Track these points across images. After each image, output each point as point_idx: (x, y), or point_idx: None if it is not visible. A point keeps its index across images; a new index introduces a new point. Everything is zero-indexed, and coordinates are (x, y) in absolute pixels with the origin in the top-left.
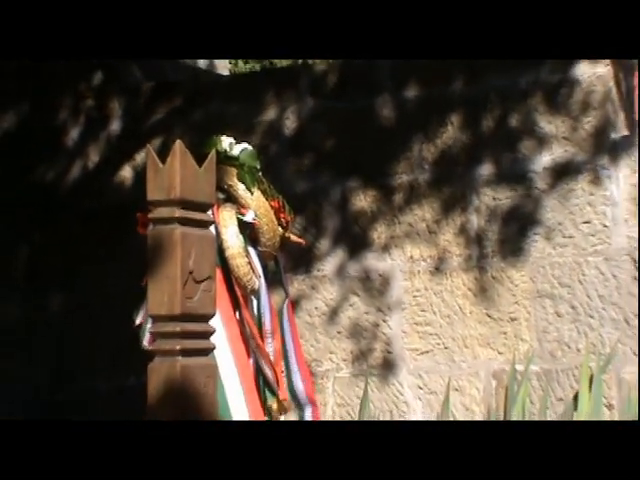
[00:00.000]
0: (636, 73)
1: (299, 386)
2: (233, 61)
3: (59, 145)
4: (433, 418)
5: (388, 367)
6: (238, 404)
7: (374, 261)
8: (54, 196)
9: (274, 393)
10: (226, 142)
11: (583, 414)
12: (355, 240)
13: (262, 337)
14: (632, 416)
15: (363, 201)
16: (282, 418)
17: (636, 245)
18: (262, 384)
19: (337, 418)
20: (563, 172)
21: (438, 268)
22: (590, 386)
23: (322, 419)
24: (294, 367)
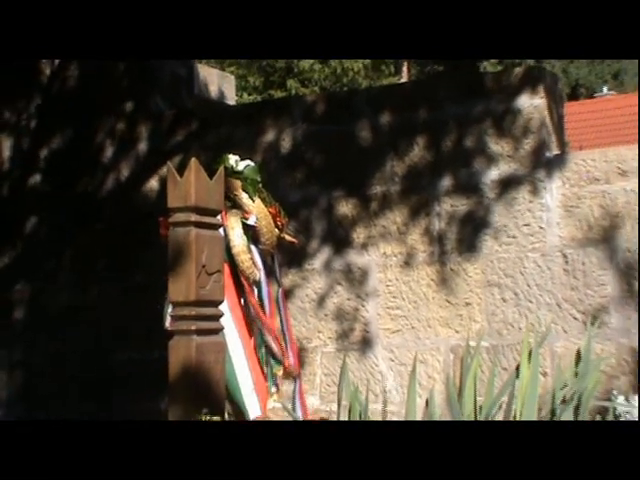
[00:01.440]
0: (565, 103)
1: (290, 359)
2: (239, 93)
3: (97, 162)
4: (402, 387)
5: (366, 343)
6: (244, 372)
7: (354, 257)
8: (93, 203)
9: (280, 362)
10: (232, 160)
11: (524, 381)
12: (339, 240)
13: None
14: (562, 382)
15: (345, 208)
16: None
17: (566, 243)
18: (264, 356)
19: (324, 386)
20: (508, 184)
21: (407, 262)
22: (529, 358)
23: (309, 387)
24: (287, 344)
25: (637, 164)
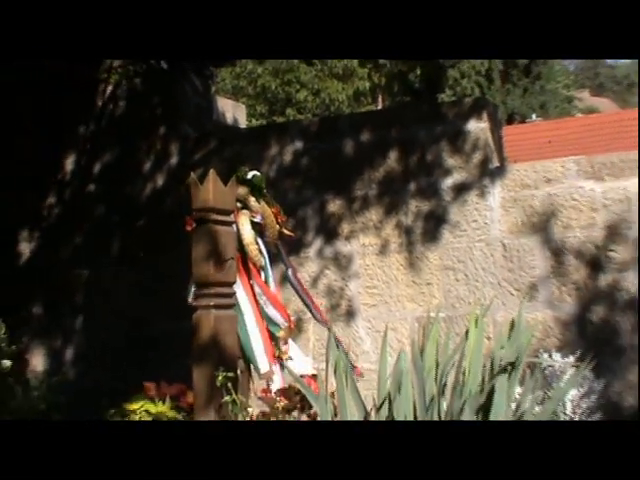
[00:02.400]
0: (503, 127)
1: (317, 316)
2: (248, 119)
3: (138, 173)
4: (377, 348)
5: (349, 315)
6: (255, 336)
7: (340, 246)
8: (135, 206)
9: (279, 326)
10: (243, 170)
11: (471, 343)
12: (328, 233)
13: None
14: (501, 344)
15: (333, 207)
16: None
17: (505, 235)
18: (268, 323)
19: (316, 349)
20: (460, 189)
21: (381, 251)
22: (476, 325)
23: (304, 350)
24: (311, 306)
25: (559, 174)
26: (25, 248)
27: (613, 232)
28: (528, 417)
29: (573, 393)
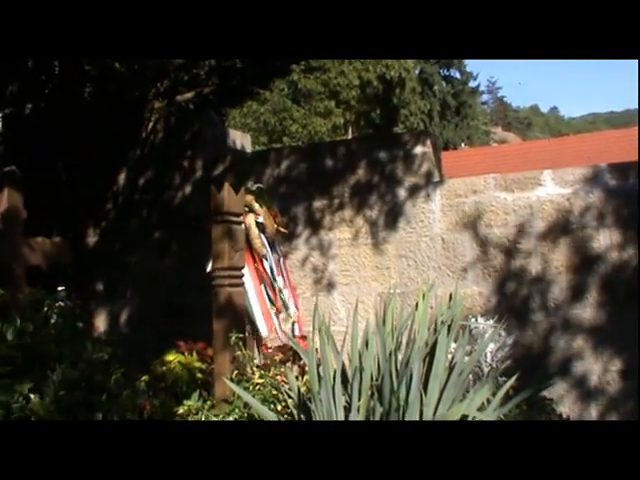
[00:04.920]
0: (441, 152)
1: (279, 303)
2: (253, 146)
3: (171, 185)
4: (349, 316)
5: (328, 291)
6: (257, 308)
7: (323, 237)
8: (169, 209)
9: (273, 304)
10: (249, 183)
11: (419, 312)
12: (313, 226)
13: (273, 278)
14: (441, 312)
15: (317, 207)
16: (281, 315)
17: (443, 231)
18: (267, 301)
19: (304, 317)
20: (411, 196)
21: (353, 242)
22: (423, 299)
23: (300, 315)
24: (287, 289)
25: (482, 187)
26: (90, 241)
27: (520, 230)
28: (459, 365)
29: (491, 346)
